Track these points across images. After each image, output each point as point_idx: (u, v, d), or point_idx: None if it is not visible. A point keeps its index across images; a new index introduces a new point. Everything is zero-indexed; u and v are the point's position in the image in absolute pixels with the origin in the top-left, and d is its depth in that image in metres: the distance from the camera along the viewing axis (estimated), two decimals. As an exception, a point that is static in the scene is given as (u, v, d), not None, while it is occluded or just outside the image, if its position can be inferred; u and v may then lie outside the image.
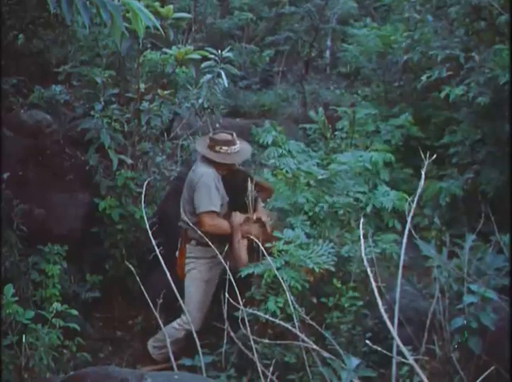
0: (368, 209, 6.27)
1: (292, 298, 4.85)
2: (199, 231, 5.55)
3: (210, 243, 5.42)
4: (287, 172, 6.46)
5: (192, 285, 5.81)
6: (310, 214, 6.03)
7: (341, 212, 6.07)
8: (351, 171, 6.67)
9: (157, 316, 5.22)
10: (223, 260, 5.30)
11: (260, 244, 5.27)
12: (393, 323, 4.23)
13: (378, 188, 6.64)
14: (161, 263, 5.27)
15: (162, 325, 5.19)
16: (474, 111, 7.61)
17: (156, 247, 5.27)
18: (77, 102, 7.26)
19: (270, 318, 4.88)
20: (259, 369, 4.47)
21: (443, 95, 7.73)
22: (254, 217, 5.77)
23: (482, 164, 7.49)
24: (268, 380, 4.44)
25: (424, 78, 8.18)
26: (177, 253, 5.93)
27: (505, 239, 5.29)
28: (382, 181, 7.33)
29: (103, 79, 6.75)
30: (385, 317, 4.00)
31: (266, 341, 4.86)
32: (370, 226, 6.08)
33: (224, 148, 5.80)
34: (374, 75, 10.95)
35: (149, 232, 5.39)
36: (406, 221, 4.81)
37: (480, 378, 4.00)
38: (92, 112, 6.55)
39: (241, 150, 5.92)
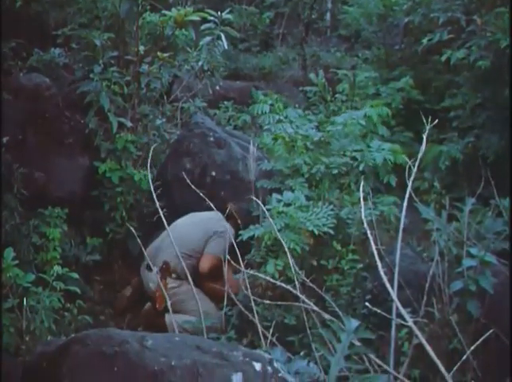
0: (361, 167, 6.26)
1: (292, 260, 4.87)
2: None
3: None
4: (283, 137, 6.46)
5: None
6: (307, 176, 6.05)
7: (335, 171, 6.08)
8: (346, 130, 6.66)
9: (159, 278, 5.27)
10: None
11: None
12: (392, 286, 4.25)
13: (371, 143, 6.60)
14: (165, 224, 5.31)
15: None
16: (474, 74, 7.57)
17: (160, 210, 5.29)
18: (76, 65, 7.21)
19: (271, 280, 4.91)
20: (259, 331, 4.51)
21: (444, 58, 7.69)
22: None
23: (482, 128, 7.47)
24: (268, 341, 4.48)
25: (425, 41, 8.13)
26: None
27: (504, 203, 5.29)
28: (380, 136, 7.29)
29: (102, 41, 6.71)
30: (385, 279, 4.02)
31: (267, 301, 4.89)
32: (368, 184, 6.08)
33: None
34: (374, 37, 10.86)
35: (154, 195, 5.41)
36: (407, 185, 4.81)
37: (479, 341, 4.03)
38: (91, 75, 6.51)
39: None
